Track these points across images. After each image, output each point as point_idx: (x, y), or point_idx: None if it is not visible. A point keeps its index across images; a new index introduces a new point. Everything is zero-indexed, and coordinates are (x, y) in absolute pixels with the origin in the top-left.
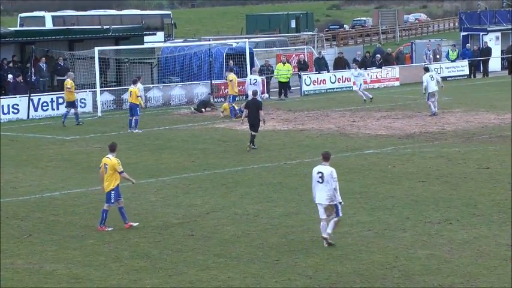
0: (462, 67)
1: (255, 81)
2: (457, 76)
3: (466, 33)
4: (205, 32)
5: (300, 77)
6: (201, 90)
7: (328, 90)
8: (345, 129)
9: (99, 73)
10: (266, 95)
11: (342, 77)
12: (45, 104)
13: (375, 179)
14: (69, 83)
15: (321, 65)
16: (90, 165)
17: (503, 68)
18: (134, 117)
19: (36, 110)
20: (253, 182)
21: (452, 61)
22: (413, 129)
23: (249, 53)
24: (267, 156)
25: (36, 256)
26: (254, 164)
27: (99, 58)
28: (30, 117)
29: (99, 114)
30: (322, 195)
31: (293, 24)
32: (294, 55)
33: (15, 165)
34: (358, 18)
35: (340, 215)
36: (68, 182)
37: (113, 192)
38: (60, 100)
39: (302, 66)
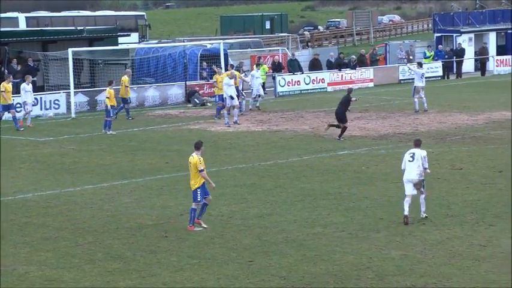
0: (436, 68)
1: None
2: (430, 77)
3: (439, 34)
4: (180, 33)
5: (274, 78)
6: (175, 91)
7: (302, 92)
8: (319, 130)
9: (73, 74)
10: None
11: (317, 78)
12: (18, 105)
13: (349, 180)
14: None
15: (294, 66)
16: (63, 167)
17: (476, 69)
18: (107, 119)
19: (9, 111)
20: (227, 183)
21: (428, 61)
22: (387, 130)
23: (224, 54)
24: (241, 157)
25: (9, 258)
26: (228, 165)
27: (73, 59)
28: (3, 118)
29: (73, 115)
30: (412, 172)
31: (268, 26)
32: (268, 56)
33: None
34: (333, 20)
35: (425, 193)
36: (41, 183)
37: (198, 190)
38: (34, 101)
39: (276, 68)
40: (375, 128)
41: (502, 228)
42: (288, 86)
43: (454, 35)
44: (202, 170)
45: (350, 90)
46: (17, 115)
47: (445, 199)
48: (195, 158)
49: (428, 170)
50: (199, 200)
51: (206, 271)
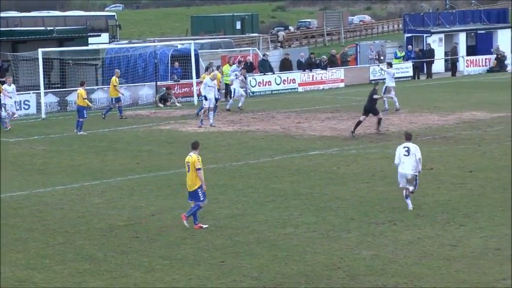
0: (406, 68)
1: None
2: (401, 77)
3: (409, 34)
4: (150, 34)
5: (245, 78)
6: (146, 91)
7: (273, 92)
8: (290, 130)
9: (43, 75)
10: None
11: (288, 78)
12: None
13: (320, 180)
14: None
15: (265, 66)
16: (34, 168)
17: (446, 69)
18: (80, 119)
19: None
20: None
21: (398, 61)
22: (358, 131)
23: (194, 54)
24: (213, 157)
25: None
26: None
27: (43, 59)
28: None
29: (43, 116)
30: (407, 166)
31: (238, 26)
32: (239, 56)
33: None
34: (303, 20)
35: (417, 187)
36: (11, 184)
37: (199, 189)
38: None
39: (248, 68)
40: (346, 129)
41: (472, 228)
42: (259, 86)
43: (425, 35)
44: (199, 169)
45: (376, 83)
46: (2, 114)
47: (416, 199)
48: (193, 157)
49: (420, 164)
50: (202, 199)
51: (177, 272)
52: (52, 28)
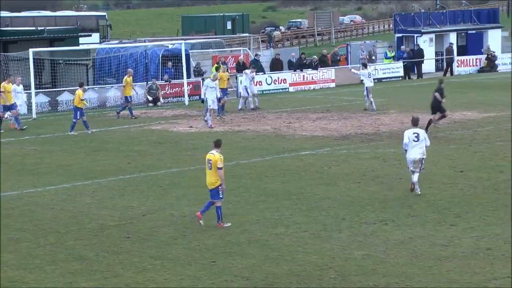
0: (397, 69)
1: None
2: (391, 77)
3: (400, 34)
4: (141, 34)
5: (236, 78)
6: (136, 91)
7: (264, 92)
8: (281, 130)
9: (33, 75)
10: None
11: (278, 78)
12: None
13: (311, 180)
14: (4, 86)
15: (256, 66)
16: (25, 168)
17: (437, 69)
18: (80, 118)
19: (10, 111)
20: (189, 183)
21: (388, 61)
22: (349, 131)
23: (185, 54)
24: (204, 157)
25: None
26: (191, 166)
27: (33, 59)
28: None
29: (34, 116)
30: (416, 151)
31: (229, 26)
32: (230, 57)
33: None
34: (294, 20)
35: (421, 171)
36: (2, 184)
37: (219, 187)
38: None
39: (240, 68)
40: (337, 129)
41: (463, 228)
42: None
43: (415, 35)
44: (220, 168)
45: (441, 81)
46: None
47: (407, 199)
48: (216, 155)
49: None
50: (221, 196)
51: (169, 272)
52: (43, 28)
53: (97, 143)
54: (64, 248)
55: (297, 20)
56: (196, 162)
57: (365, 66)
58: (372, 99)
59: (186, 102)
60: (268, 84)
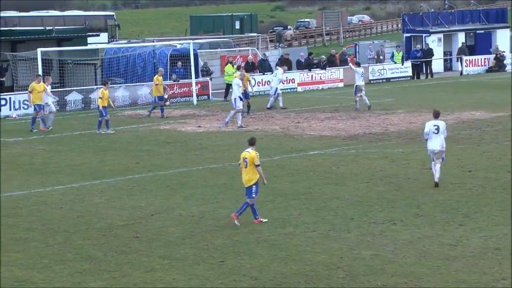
0: (405, 68)
1: (275, 74)
2: (400, 77)
3: (409, 34)
4: (149, 33)
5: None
6: (145, 91)
7: None
8: (289, 130)
9: (42, 74)
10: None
11: (287, 78)
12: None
13: (319, 180)
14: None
15: (264, 66)
16: (33, 167)
17: (445, 69)
18: (101, 118)
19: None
20: (198, 183)
21: (397, 61)
22: (357, 130)
23: (194, 54)
24: (212, 157)
25: None
26: (199, 166)
27: (42, 59)
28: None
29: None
30: (436, 143)
31: (237, 26)
32: (238, 56)
33: None
34: (302, 20)
35: (444, 160)
36: (11, 184)
37: (254, 186)
38: (3, 102)
39: (249, 68)
40: (345, 128)
41: (471, 228)
42: (258, 86)
43: (424, 35)
44: (258, 165)
45: None
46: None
47: (415, 199)
48: (251, 153)
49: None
50: (253, 196)
51: (177, 271)
52: (51, 28)
53: (105, 143)
54: (72, 247)
55: (305, 19)
56: (205, 162)
57: (358, 65)
58: (357, 99)
59: (195, 102)
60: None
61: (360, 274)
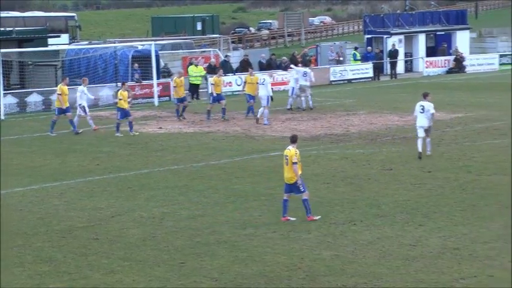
0: (366, 69)
1: (263, 80)
2: (361, 78)
3: (370, 36)
4: (111, 35)
5: (206, 79)
6: (106, 92)
7: (234, 93)
8: (250, 131)
9: (2, 76)
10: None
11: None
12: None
13: (280, 181)
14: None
15: (226, 67)
16: None
17: (406, 70)
18: (128, 119)
19: (65, 114)
20: (158, 184)
21: (356, 62)
22: (319, 131)
23: (155, 55)
24: (173, 158)
25: None
26: (160, 167)
27: (2, 60)
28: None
29: (2, 117)
30: (423, 120)
31: (199, 27)
32: (200, 57)
33: None
34: (264, 21)
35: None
36: None
37: (298, 181)
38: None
39: (212, 69)
40: (307, 129)
41: (431, 228)
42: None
43: (384, 36)
44: (295, 163)
45: None
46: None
47: (375, 199)
48: (291, 151)
49: (434, 115)
50: (302, 190)
51: (137, 273)
52: (11, 29)
53: (66, 144)
54: (32, 249)
55: (267, 21)
56: (165, 164)
57: (305, 65)
58: (302, 98)
59: (156, 103)
60: (239, 85)
61: (320, 275)
